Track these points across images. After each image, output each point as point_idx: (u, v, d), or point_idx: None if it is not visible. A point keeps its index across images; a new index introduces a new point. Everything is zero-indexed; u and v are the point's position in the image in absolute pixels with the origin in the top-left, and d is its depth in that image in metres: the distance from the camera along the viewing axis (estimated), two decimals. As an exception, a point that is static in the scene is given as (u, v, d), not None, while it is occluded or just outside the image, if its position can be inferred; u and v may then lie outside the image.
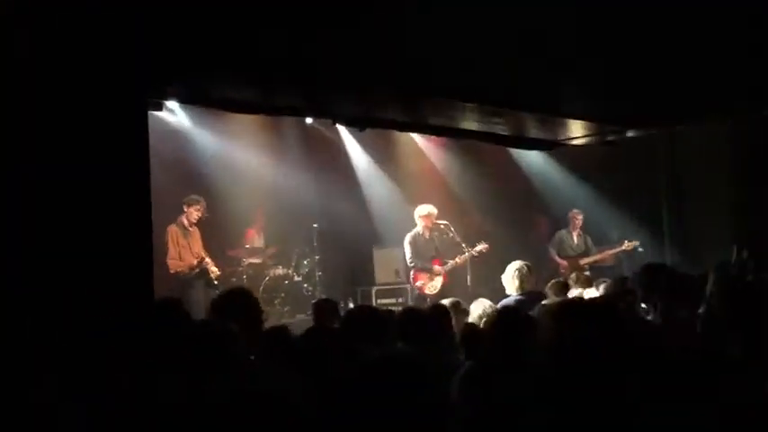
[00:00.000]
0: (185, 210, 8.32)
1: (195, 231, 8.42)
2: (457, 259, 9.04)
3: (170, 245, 8.18)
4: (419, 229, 9.12)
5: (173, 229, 8.25)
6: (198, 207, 8.33)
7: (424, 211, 9.11)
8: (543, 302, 5.04)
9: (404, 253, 9.25)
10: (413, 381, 2.39)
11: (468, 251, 8.99)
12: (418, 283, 9.10)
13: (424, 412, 2.31)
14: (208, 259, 8.37)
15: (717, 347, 3.13)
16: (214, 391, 2.42)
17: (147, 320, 3.71)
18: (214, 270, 8.44)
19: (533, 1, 4.61)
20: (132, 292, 3.78)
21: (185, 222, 8.32)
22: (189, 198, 8.38)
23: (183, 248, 8.26)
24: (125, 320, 3.66)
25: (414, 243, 9.12)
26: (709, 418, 2.61)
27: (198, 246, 8.41)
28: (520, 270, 5.97)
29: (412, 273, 9.21)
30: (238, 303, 3.95)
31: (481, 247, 9.04)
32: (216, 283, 8.54)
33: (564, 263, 9.76)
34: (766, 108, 7.36)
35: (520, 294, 5.84)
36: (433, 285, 9.01)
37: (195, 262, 8.25)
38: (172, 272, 8.14)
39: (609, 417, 2.51)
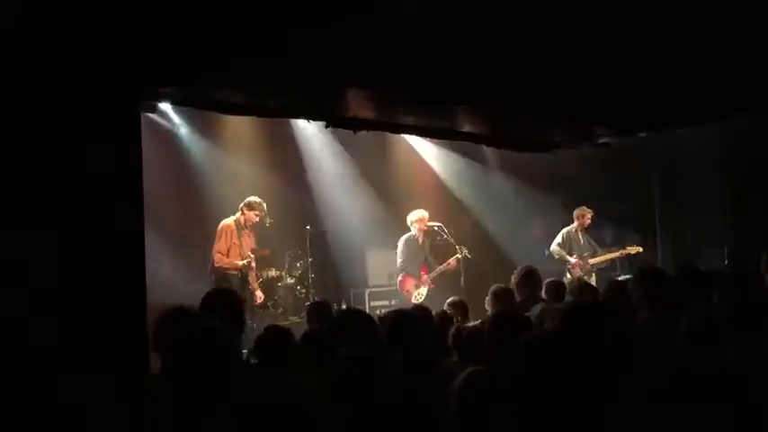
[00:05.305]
0: (245, 212, 8.18)
1: (249, 233, 8.34)
2: (443, 266, 9.13)
3: (222, 239, 8.07)
4: (414, 232, 9.22)
5: (229, 226, 8.14)
6: (257, 213, 8.19)
7: (416, 216, 9.20)
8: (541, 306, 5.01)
9: (396, 255, 9.32)
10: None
11: (462, 251, 9.04)
12: (405, 291, 9.21)
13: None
14: (253, 264, 8.29)
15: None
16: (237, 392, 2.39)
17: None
18: (254, 285, 8.39)
19: (530, 2, 4.60)
20: (124, 297, 3.75)
21: (242, 222, 8.23)
22: (251, 201, 8.20)
23: (234, 246, 8.13)
24: (117, 324, 3.64)
25: (407, 246, 9.21)
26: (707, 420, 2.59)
27: (248, 248, 8.29)
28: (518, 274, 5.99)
29: (401, 277, 9.29)
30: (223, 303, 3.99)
31: (465, 252, 9.10)
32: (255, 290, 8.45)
33: (578, 262, 9.49)
34: (763, 109, 7.36)
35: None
36: (419, 293, 9.09)
37: (240, 264, 8.16)
38: (216, 266, 8.06)
39: (606, 420, 2.49)
